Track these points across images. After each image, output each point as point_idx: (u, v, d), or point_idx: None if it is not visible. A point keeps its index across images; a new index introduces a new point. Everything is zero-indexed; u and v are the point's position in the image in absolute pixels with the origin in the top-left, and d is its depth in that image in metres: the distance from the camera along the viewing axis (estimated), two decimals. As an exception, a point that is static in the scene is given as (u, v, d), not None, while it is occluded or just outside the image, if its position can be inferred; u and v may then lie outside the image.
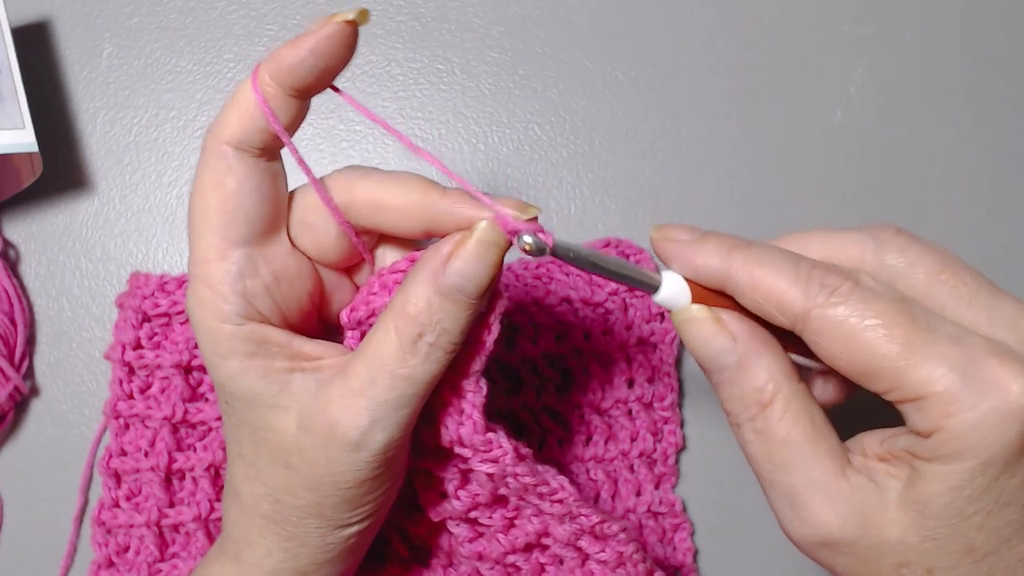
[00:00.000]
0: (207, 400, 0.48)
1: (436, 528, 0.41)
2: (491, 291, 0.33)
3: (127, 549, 0.48)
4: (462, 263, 0.32)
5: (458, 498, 0.38)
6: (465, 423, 0.35)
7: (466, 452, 0.36)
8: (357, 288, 0.38)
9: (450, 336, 0.32)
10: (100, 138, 0.53)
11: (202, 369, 0.48)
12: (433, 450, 0.37)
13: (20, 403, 0.50)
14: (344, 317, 0.36)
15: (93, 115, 0.53)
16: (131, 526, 0.47)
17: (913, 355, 0.28)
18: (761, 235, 0.34)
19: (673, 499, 0.50)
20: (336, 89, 0.33)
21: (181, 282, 0.48)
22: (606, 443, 0.50)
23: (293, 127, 0.33)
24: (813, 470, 0.31)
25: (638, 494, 0.50)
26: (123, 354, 0.47)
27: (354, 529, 0.36)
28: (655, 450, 0.50)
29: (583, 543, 0.40)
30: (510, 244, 0.32)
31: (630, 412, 0.50)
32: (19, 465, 0.50)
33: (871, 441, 0.32)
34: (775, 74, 0.55)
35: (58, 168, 0.52)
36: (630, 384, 0.50)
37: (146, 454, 0.48)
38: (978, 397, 0.28)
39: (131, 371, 0.48)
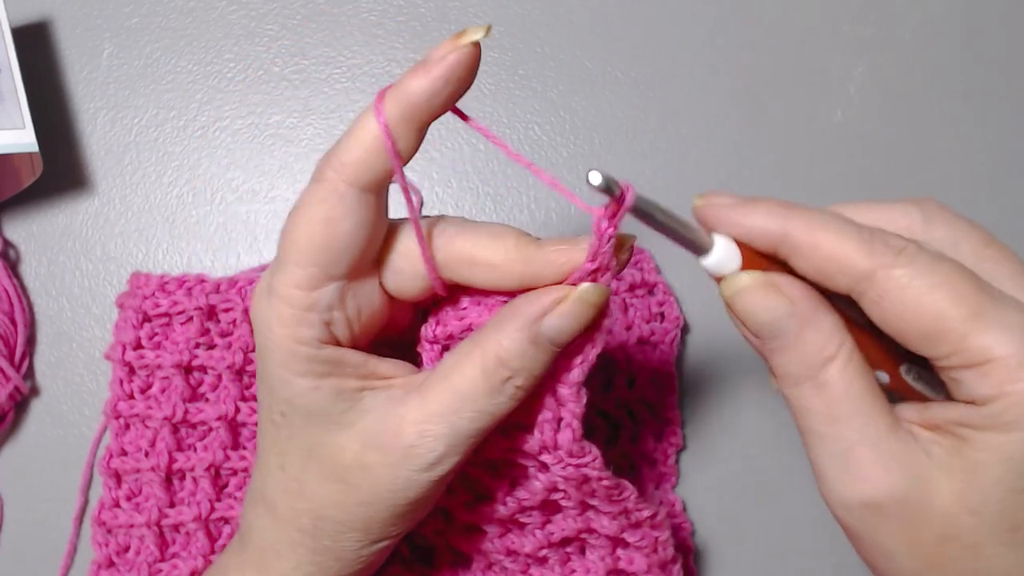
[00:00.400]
0: (207, 400, 0.48)
1: (443, 528, 0.41)
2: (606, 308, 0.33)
3: (127, 549, 0.48)
4: (559, 320, 0.32)
5: (504, 504, 0.38)
6: (564, 430, 0.35)
7: (551, 459, 0.36)
8: (413, 308, 0.38)
9: (535, 379, 0.33)
10: (100, 138, 0.53)
11: (202, 369, 0.48)
12: (487, 460, 0.37)
13: (20, 403, 0.50)
14: (429, 332, 0.36)
15: (93, 115, 0.53)
16: (131, 526, 0.47)
17: (980, 320, 0.28)
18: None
19: (673, 499, 0.50)
20: (459, 112, 0.32)
21: (181, 282, 0.48)
22: (606, 443, 0.50)
23: (410, 158, 0.32)
24: (869, 425, 0.30)
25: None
26: (123, 354, 0.47)
27: (388, 542, 0.36)
28: (655, 450, 0.50)
29: (626, 535, 0.40)
30: (608, 297, 0.33)
31: (630, 412, 0.50)
32: (19, 465, 0.50)
33: (908, 412, 0.32)
34: (775, 74, 0.55)
35: (58, 168, 0.52)
36: (630, 384, 0.50)
37: (146, 454, 0.48)
38: None
39: (131, 371, 0.48)
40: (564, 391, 0.35)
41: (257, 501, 0.37)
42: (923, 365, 0.32)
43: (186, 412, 0.47)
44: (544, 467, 0.36)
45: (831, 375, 0.31)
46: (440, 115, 0.31)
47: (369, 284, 0.34)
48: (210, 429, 0.48)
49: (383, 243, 0.34)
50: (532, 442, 0.35)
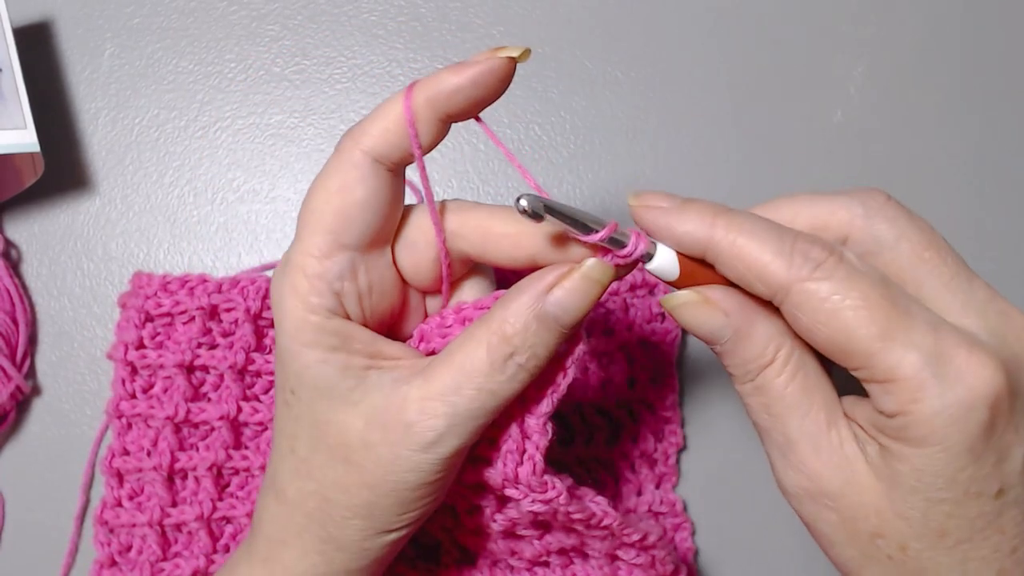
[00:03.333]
0: (209, 400, 0.48)
1: (451, 525, 0.42)
2: (580, 327, 0.34)
3: (129, 548, 0.48)
4: (564, 294, 0.32)
5: (495, 521, 0.38)
6: (525, 463, 0.35)
7: (516, 493, 0.35)
8: (425, 317, 0.38)
9: (538, 360, 0.33)
10: (101, 138, 0.53)
11: (204, 369, 0.48)
12: (471, 482, 0.37)
13: (22, 402, 0.50)
14: (414, 344, 0.37)
15: (95, 115, 0.53)
16: (133, 525, 0.47)
17: (888, 339, 0.29)
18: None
19: (674, 499, 0.50)
20: (479, 120, 0.34)
21: (183, 282, 0.48)
22: (607, 443, 0.50)
23: (429, 149, 0.34)
24: (805, 422, 0.32)
25: (639, 494, 0.50)
26: (125, 353, 0.47)
27: (392, 536, 0.36)
28: (656, 450, 0.50)
29: (619, 552, 0.40)
30: (613, 280, 0.33)
31: (631, 412, 0.50)
32: (21, 464, 0.50)
33: (853, 407, 0.32)
34: (775, 74, 0.55)
35: (60, 168, 0.52)
36: (631, 384, 0.50)
37: (148, 453, 0.48)
38: (945, 386, 0.28)
39: (134, 371, 0.48)
40: (531, 422, 0.35)
41: (268, 490, 0.37)
42: None
43: (188, 412, 0.47)
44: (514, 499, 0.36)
45: (767, 378, 0.32)
46: (464, 117, 0.33)
47: (382, 261, 0.35)
48: (212, 429, 0.48)
49: (399, 222, 0.36)
50: (495, 475, 0.35)
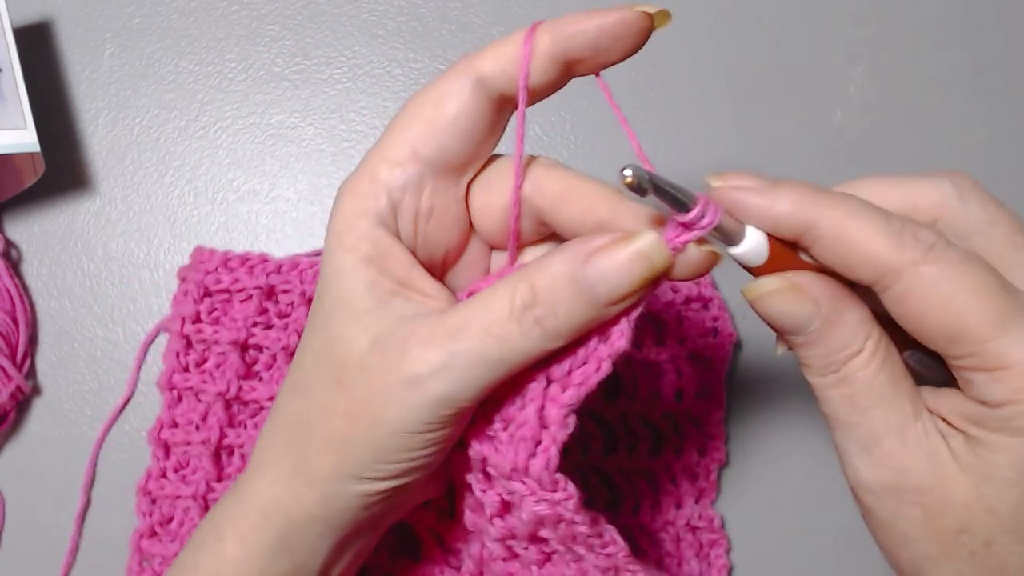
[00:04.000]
0: (260, 379, 0.48)
1: (434, 525, 0.41)
2: (622, 313, 0.31)
3: (171, 520, 0.48)
4: (608, 262, 0.30)
5: (493, 524, 0.35)
6: (538, 455, 0.32)
7: (522, 489, 0.32)
8: (486, 275, 0.36)
9: (557, 324, 0.30)
10: (102, 138, 0.53)
11: (258, 348, 0.48)
12: (476, 467, 0.35)
13: (22, 402, 0.50)
14: (460, 298, 0.34)
15: (95, 115, 0.53)
16: (177, 497, 0.48)
17: (1003, 326, 0.28)
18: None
19: (712, 514, 0.50)
20: (600, 77, 0.32)
21: (244, 259, 0.48)
22: (649, 454, 0.50)
23: (542, 94, 0.32)
24: (892, 413, 0.30)
25: (678, 507, 0.50)
26: (182, 326, 0.47)
27: (366, 487, 0.33)
28: (698, 464, 0.50)
29: None
30: (669, 268, 0.30)
31: (676, 425, 0.50)
32: (21, 464, 0.50)
33: (928, 398, 0.31)
34: (775, 74, 0.55)
35: (60, 168, 0.52)
36: (679, 397, 0.50)
37: (197, 427, 0.48)
38: None
39: (188, 344, 0.48)
40: (552, 411, 0.32)
41: (269, 412, 0.36)
42: (929, 353, 0.31)
43: (240, 389, 0.48)
44: (519, 499, 0.33)
45: (855, 369, 0.30)
46: (585, 69, 0.31)
47: (452, 191, 0.33)
48: (261, 408, 0.48)
49: (484, 162, 0.34)
50: (503, 461, 0.32)
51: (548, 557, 0.37)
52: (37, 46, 0.53)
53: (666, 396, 0.50)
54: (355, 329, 0.32)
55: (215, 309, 0.48)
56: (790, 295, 0.30)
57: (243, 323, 0.48)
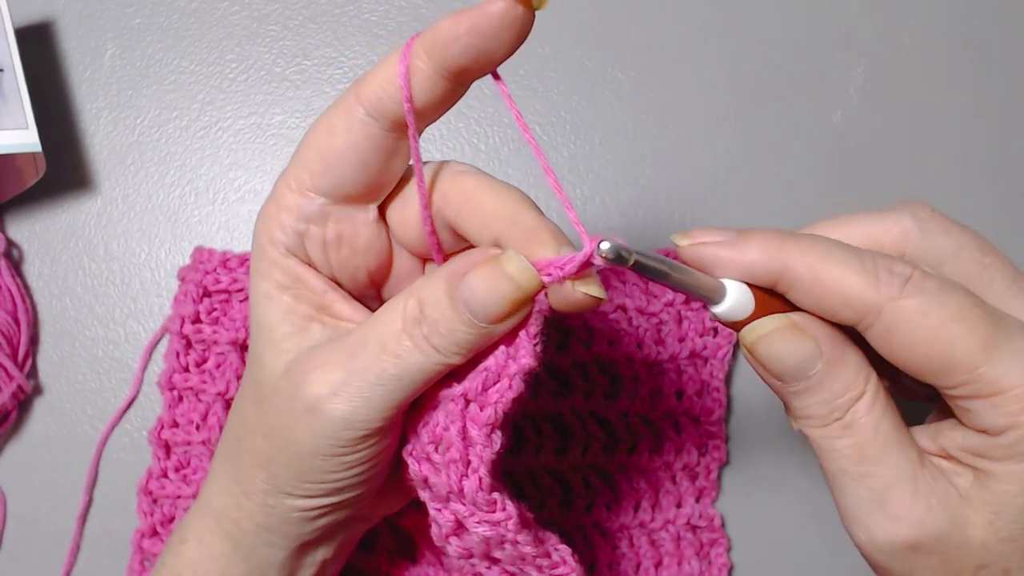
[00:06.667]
0: None
1: (426, 525, 0.41)
2: (513, 331, 0.31)
3: (171, 519, 0.48)
4: (478, 282, 0.30)
5: (449, 543, 0.35)
6: (470, 476, 0.32)
7: (462, 511, 0.32)
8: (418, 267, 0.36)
9: (443, 342, 0.30)
10: (103, 138, 0.53)
11: None
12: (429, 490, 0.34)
13: (23, 402, 0.50)
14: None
15: (96, 115, 0.53)
16: (178, 497, 0.48)
17: (992, 350, 0.27)
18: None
19: (712, 514, 0.50)
20: (496, 76, 0.30)
21: (243, 260, 0.48)
22: (650, 453, 0.50)
23: (439, 109, 0.31)
24: (903, 460, 0.29)
25: (679, 506, 0.50)
26: (182, 327, 0.48)
27: (300, 503, 0.34)
28: (698, 464, 0.50)
29: None
30: (538, 291, 0.30)
31: (676, 424, 0.50)
32: (22, 464, 0.50)
33: (922, 439, 0.31)
34: (775, 74, 0.55)
35: (61, 168, 0.52)
36: (679, 396, 0.50)
37: (197, 427, 0.48)
38: None
39: (188, 344, 0.48)
40: (474, 432, 0.31)
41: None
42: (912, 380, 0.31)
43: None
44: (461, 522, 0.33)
45: (859, 414, 0.29)
46: (475, 73, 0.30)
47: (361, 216, 0.33)
48: None
49: (400, 179, 0.33)
50: (440, 484, 0.32)
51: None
52: (39, 46, 0.53)
53: (666, 396, 0.50)
54: (272, 353, 0.33)
55: (215, 309, 0.48)
56: (792, 333, 0.29)
57: (242, 323, 0.48)
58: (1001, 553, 0.29)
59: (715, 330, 0.50)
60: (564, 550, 0.34)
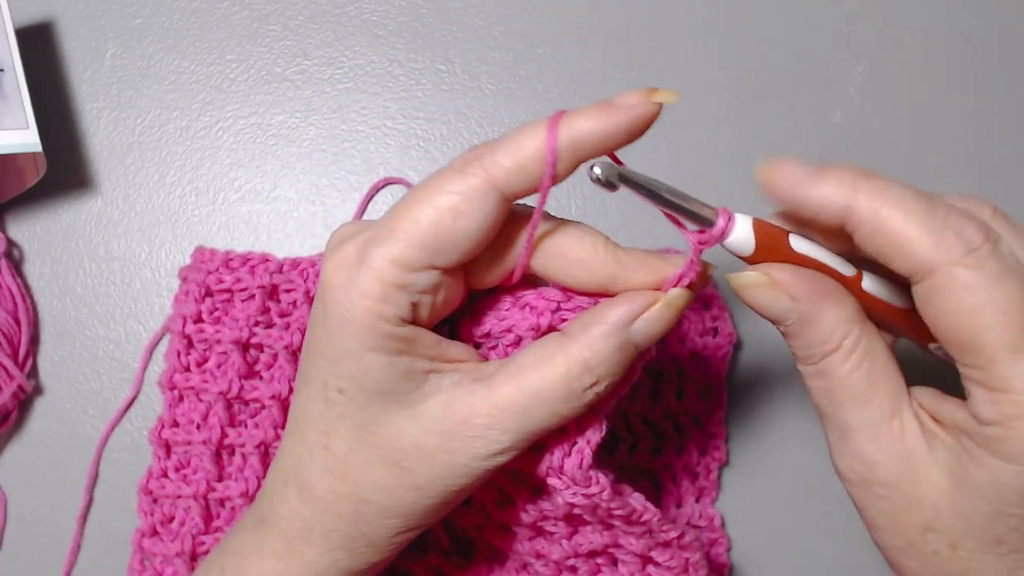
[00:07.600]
0: (262, 378, 0.48)
1: (484, 522, 0.41)
2: None
3: (172, 519, 0.48)
4: (648, 326, 0.32)
5: (526, 511, 0.38)
6: (573, 455, 0.34)
7: (558, 483, 0.35)
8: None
9: (615, 383, 0.33)
10: (103, 138, 0.53)
11: (259, 347, 0.48)
12: (509, 469, 0.36)
13: (24, 402, 0.50)
14: (466, 329, 0.36)
15: (96, 115, 0.53)
16: (178, 497, 0.48)
17: (1017, 351, 0.27)
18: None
19: (712, 513, 0.50)
20: (616, 160, 0.32)
21: (245, 259, 0.48)
22: (650, 453, 0.50)
23: (555, 183, 0.32)
24: (867, 409, 0.31)
25: (679, 506, 0.50)
26: (183, 326, 0.47)
27: (421, 530, 0.36)
28: (698, 463, 0.50)
29: (654, 553, 0.40)
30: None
31: (677, 424, 0.50)
32: (23, 464, 0.50)
33: (927, 398, 0.32)
34: (775, 74, 0.55)
35: (62, 168, 0.52)
36: (679, 396, 0.50)
37: (198, 427, 0.48)
38: None
39: (190, 344, 0.48)
40: (589, 418, 0.34)
41: (287, 482, 0.36)
42: None
43: (241, 388, 0.48)
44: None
45: (831, 365, 0.31)
46: (598, 155, 0.31)
47: (460, 272, 0.33)
48: (263, 407, 0.48)
49: None
50: (541, 464, 0.35)
51: (576, 530, 0.39)
52: (39, 46, 0.53)
53: (666, 395, 0.50)
54: (399, 415, 0.33)
55: (216, 309, 0.48)
56: (767, 290, 0.31)
57: (245, 322, 0.48)
58: (952, 526, 0.30)
59: (715, 330, 0.50)
60: (640, 497, 0.37)
